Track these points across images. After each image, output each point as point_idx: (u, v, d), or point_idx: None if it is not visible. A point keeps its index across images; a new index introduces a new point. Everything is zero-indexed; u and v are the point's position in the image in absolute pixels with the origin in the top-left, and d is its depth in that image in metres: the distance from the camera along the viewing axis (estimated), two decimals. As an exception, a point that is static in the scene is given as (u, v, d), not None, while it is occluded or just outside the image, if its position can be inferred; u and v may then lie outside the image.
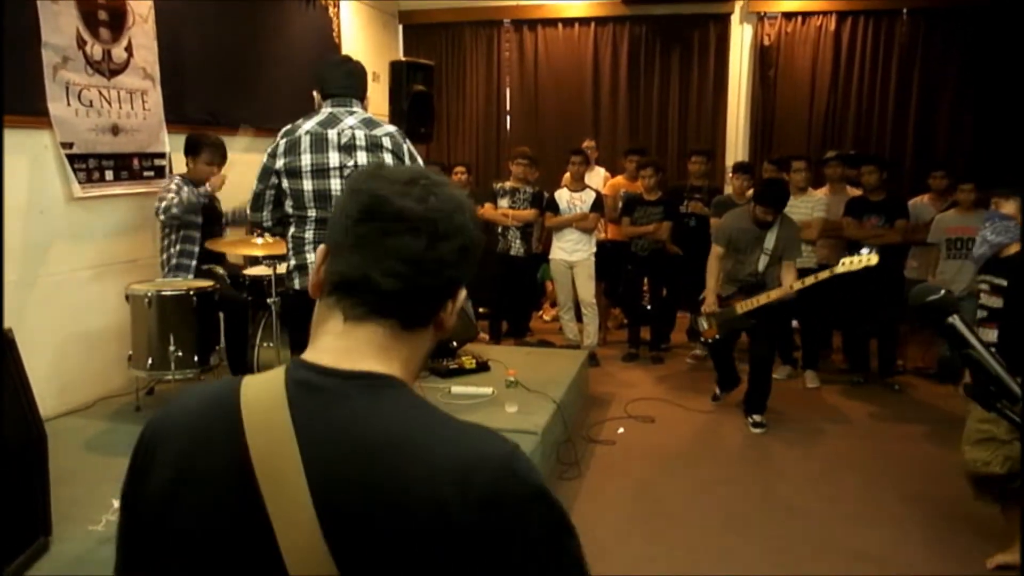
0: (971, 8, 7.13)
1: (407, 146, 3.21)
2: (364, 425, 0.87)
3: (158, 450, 0.95)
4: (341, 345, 0.93)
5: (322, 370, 0.91)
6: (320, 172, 3.14)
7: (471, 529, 0.83)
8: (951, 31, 7.35)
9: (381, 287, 0.90)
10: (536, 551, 0.86)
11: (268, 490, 0.85)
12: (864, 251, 4.66)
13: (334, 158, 3.13)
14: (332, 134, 3.15)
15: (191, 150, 4.54)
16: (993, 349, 2.75)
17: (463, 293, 0.98)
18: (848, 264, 4.63)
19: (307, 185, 3.15)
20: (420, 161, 3.21)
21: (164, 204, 4.30)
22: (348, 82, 3.32)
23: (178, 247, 4.45)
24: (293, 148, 3.18)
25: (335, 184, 3.14)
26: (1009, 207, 3.19)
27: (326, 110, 3.24)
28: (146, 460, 0.96)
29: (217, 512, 0.89)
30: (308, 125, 3.21)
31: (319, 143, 3.16)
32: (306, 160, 3.15)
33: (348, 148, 3.13)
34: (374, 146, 3.13)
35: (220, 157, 4.57)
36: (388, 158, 3.12)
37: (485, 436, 0.91)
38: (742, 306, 4.95)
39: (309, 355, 0.94)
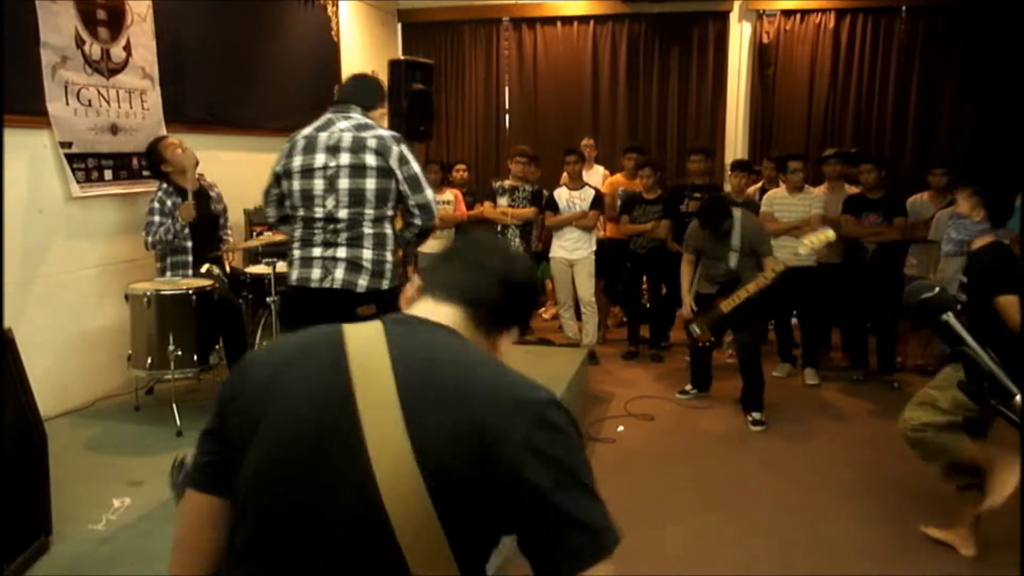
0: (970, 5, 7.14)
1: (399, 149, 3.19)
2: (442, 345, 1.10)
3: (253, 367, 1.12)
4: (428, 309, 1.19)
5: (413, 317, 1.17)
6: (307, 172, 3.19)
7: (524, 444, 0.99)
8: (950, 28, 7.35)
9: (465, 285, 1.20)
10: (574, 467, 1.05)
11: (359, 381, 1.03)
12: (819, 228, 4.76)
13: (320, 159, 3.18)
14: (323, 136, 3.21)
15: (151, 168, 4.52)
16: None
17: (516, 331, 1.28)
18: (810, 243, 4.71)
19: (296, 185, 3.21)
20: (415, 166, 3.21)
21: (151, 239, 4.37)
22: (351, 91, 3.40)
23: (168, 260, 4.46)
24: (291, 151, 3.25)
25: (319, 184, 3.17)
26: (965, 206, 3.29)
27: (325, 116, 3.30)
28: (239, 378, 1.13)
29: (312, 400, 1.04)
30: (307, 130, 3.27)
31: (310, 145, 3.21)
32: (297, 161, 3.21)
33: (333, 149, 3.17)
34: (358, 147, 3.15)
35: (173, 160, 4.49)
36: (370, 159, 3.14)
37: (531, 383, 1.09)
38: (726, 304, 5.01)
39: (405, 314, 1.19)
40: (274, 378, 1.07)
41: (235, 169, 4.69)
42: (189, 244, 4.47)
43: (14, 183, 3.96)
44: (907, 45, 7.51)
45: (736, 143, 8.04)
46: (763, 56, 7.80)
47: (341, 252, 3.17)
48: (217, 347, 4.36)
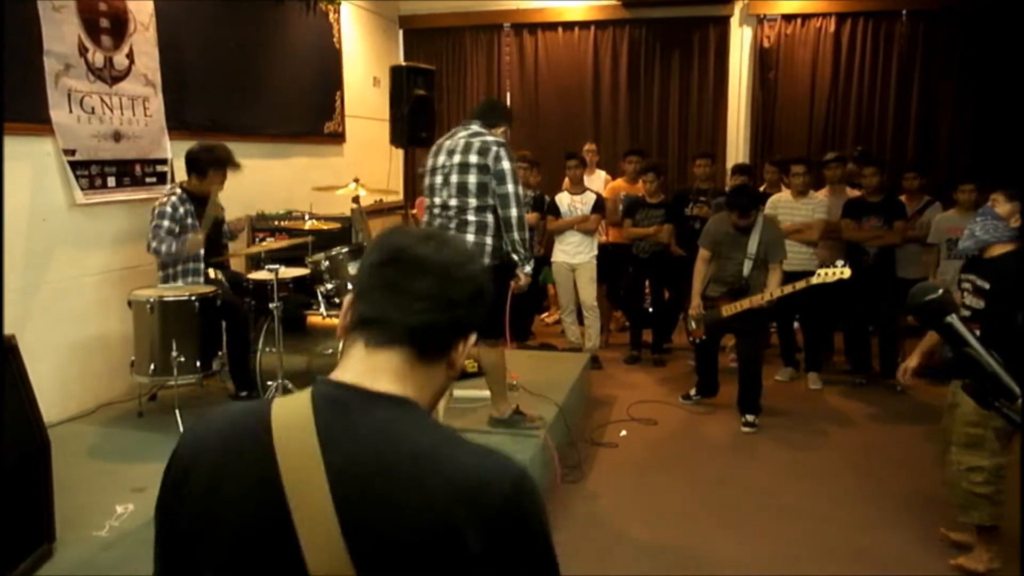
0: (971, 8, 7.14)
1: (496, 150, 3.74)
2: (385, 438, 0.96)
3: (193, 463, 1.02)
4: (362, 367, 1.03)
5: (345, 386, 1.01)
6: (433, 171, 3.91)
7: (479, 544, 0.91)
8: (951, 32, 7.36)
9: (397, 320, 1.02)
10: (538, 560, 0.99)
11: (293, 497, 0.93)
12: (839, 263, 4.78)
13: (441, 159, 3.87)
14: (447, 143, 3.90)
15: (196, 170, 4.48)
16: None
17: (473, 338, 1.10)
18: (823, 276, 4.76)
19: (427, 181, 3.95)
20: (506, 164, 3.72)
21: (157, 245, 4.32)
22: (477, 110, 4.10)
23: (179, 266, 4.45)
24: (430, 155, 4.00)
25: (438, 179, 3.86)
26: (1006, 208, 3.16)
27: (454, 129, 3.98)
28: (180, 474, 1.03)
29: (248, 519, 0.96)
30: (441, 139, 4.00)
31: (438, 150, 3.93)
32: (429, 163, 3.96)
33: (450, 152, 3.83)
34: (467, 149, 3.77)
35: (223, 173, 4.54)
36: (473, 158, 3.74)
37: (500, 458, 1.00)
38: (727, 309, 5.04)
39: (333, 375, 1.04)
40: (208, 496, 0.99)
41: (237, 176, 4.69)
42: (202, 251, 4.49)
43: (18, 191, 3.97)
44: (908, 49, 7.51)
45: (737, 147, 8.04)
46: (764, 60, 7.80)
47: None
48: (220, 353, 4.35)
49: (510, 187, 3.74)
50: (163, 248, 4.29)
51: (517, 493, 0.96)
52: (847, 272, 4.71)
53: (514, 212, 3.76)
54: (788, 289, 4.86)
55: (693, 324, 5.29)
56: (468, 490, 0.93)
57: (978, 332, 3.06)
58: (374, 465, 0.93)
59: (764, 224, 5.06)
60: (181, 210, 4.37)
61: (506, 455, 1.01)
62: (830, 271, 4.72)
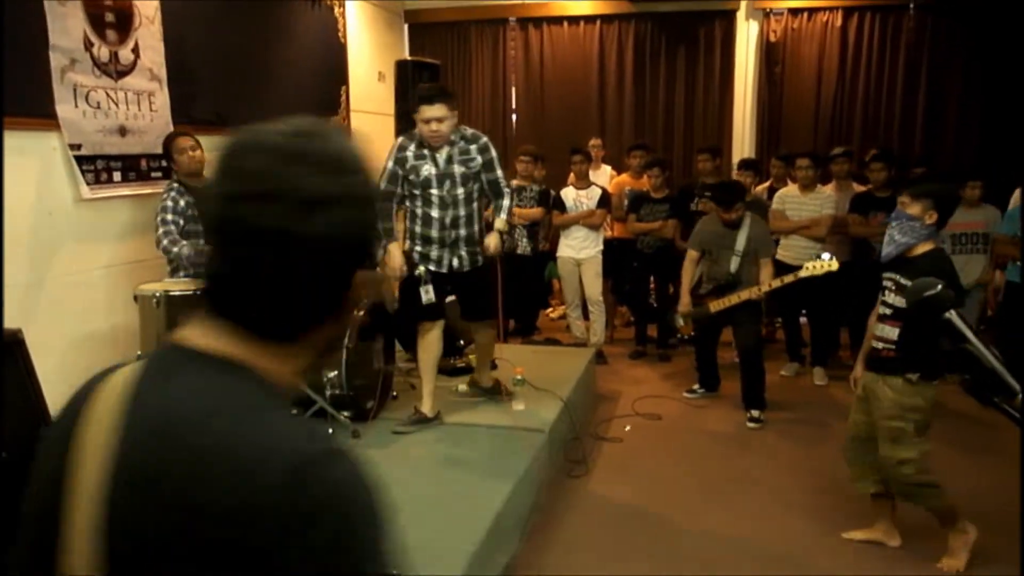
0: (979, 3, 7.10)
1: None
2: (175, 408, 0.80)
3: (41, 438, 0.93)
4: (208, 323, 0.87)
5: (177, 348, 0.87)
6: None
7: (240, 533, 0.74)
8: (959, 26, 7.31)
9: (221, 285, 0.88)
10: (314, 562, 0.76)
11: (71, 481, 0.81)
12: (825, 256, 4.79)
13: None
14: None
15: (166, 153, 4.51)
16: (894, 346, 2.86)
17: (327, 332, 0.90)
18: (811, 269, 4.78)
19: None
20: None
21: (167, 244, 4.30)
22: None
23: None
24: None
25: None
26: (916, 208, 3.20)
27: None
28: (35, 450, 0.94)
29: (41, 497, 0.86)
30: None
31: None
32: None
33: None
34: None
35: (192, 140, 4.48)
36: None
37: (306, 433, 0.81)
38: (715, 305, 5.10)
39: (182, 331, 0.89)
40: (35, 473, 0.90)
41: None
42: (201, 241, 4.50)
43: (23, 185, 3.98)
44: (915, 43, 7.47)
45: (743, 142, 8.02)
46: (770, 55, 7.77)
47: None
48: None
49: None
50: (174, 249, 4.27)
51: (297, 481, 0.75)
52: (835, 264, 4.74)
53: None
54: (777, 283, 4.93)
55: (680, 321, 5.36)
56: (244, 470, 0.75)
57: (897, 329, 3.12)
58: (154, 448, 0.78)
59: (751, 221, 5.12)
60: (182, 202, 4.37)
61: (323, 433, 0.82)
62: (818, 264, 4.75)
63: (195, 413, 0.79)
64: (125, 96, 4.55)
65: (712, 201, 5.22)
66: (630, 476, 4.26)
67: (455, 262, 4.12)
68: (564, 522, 3.67)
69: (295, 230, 0.81)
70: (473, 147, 4.06)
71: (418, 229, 4.16)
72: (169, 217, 4.31)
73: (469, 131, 4.14)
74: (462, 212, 4.05)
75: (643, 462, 4.45)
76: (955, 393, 5.22)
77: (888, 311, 3.29)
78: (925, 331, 3.07)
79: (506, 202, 4.18)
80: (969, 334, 1.06)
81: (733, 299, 4.98)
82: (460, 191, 4.02)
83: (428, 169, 4.01)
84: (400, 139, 4.15)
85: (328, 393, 4.06)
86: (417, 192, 4.09)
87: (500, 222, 4.16)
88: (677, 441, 4.77)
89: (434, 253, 4.13)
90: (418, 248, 4.20)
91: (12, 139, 3.87)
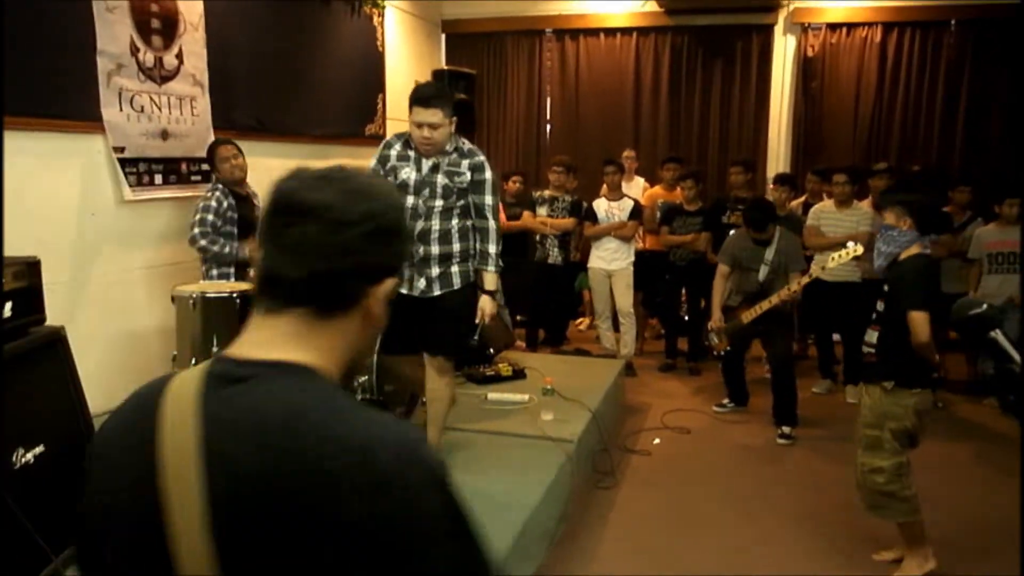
0: (1022, 19, 6.99)
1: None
2: (264, 409, 0.87)
3: (95, 449, 1.00)
4: (257, 337, 0.95)
5: (237, 361, 0.93)
6: None
7: (360, 512, 0.82)
8: (1001, 44, 7.20)
9: (285, 275, 0.93)
10: (426, 542, 0.85)
11: (169, 487, 0.86)
12: (850, 244, 4.62)
13: None
14: None
15: (210, 160, 4.60)
16: (873, 349, 2.85)
17: (391, 282, 0.98)
18: (837, 258, 4.60)
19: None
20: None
21: (205, 243, 4.37)
22: None
23: (222, 268, 4.52)
24: None
25: None
26: (889, 217, 3.28)
27: None
28: (88, 461, 1.00)
29: (132, 505, 0.91)
30: None
31: None
32: None
33: None
34: None
35: (234, 148, 4.57)
36: None
37: (392, 422, 0.91)
38: (747, 315, 5.05)
39: (230, 349, 0.96)
40: (105, 481, 0.96)
41: (280, 176, 4.76)
42: (235, 243, 4.56)
43: (68, 186, 4.08)
44: (956, 59, 7.39)
45: (779, 157, 7.97)
46: (808, 69, 7.72)
47: None
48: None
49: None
50: (214, 248, 4.35)
51: (405, 461, 0.85)
52: (860, 249, 4.58)
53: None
54: (806, 280, 4.85)
55: (715, 338, 5.31)
56: (353, 458, 0.83)
57: (877, 334, 3.17)
58: (256, 447, 0.85)
59: (781, 235, 5.10)
60: (225, 204, 4.45)
61: (403, 423, 0.94)
62: (842, 252, 4.58)
63: (287, 413, 0.87)
64: (168, 100, 4.64)
65: (744, 223, 5.19)
66: (658, 489, 4.24)
67: (422, 283, 3.54)
68: (591, 533, 3.66)
69: (344, 218, 0.93)
70: (465, 162, 3.55)
71: None
72: (210, 217, 4.39)
73: (468, 146, 3.64)
74: (436, 225, 3.49)
75: (671, 475, 4.43)
76: (995, 415, 5.17)
77: (873, 315, 3.37)
78: (900, 336, 3.14)
79: (492, 248, 3.56)
80: (1015, 354, 1.05)
81: (764, 305, 4.94)
82: (438, 203, 3.49)
83: (408, 172, 3.55)
84: (389, 137, 3.80)
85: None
86: None
87: (490, 279, 3.59)
88: (706, 456, 4.74)
89: (403, 271, 3.48)
90: None
91: (59, 141, 3.97)
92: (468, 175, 3.53)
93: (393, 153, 3.63)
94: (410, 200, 3.51)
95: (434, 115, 3.43)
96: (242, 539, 0.84)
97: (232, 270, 4.56)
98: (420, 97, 3.48)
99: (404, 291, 3.48)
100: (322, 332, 0.95)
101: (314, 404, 0.88)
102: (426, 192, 3.52)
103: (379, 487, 0.83)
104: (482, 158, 3.62)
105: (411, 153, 3.58)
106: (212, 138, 4.96)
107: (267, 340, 0.94)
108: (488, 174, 3.58)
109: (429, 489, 0.86)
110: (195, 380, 0.93)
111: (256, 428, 0.86)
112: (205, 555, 0.84)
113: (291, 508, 0.82)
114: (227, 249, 4.36)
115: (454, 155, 3.56)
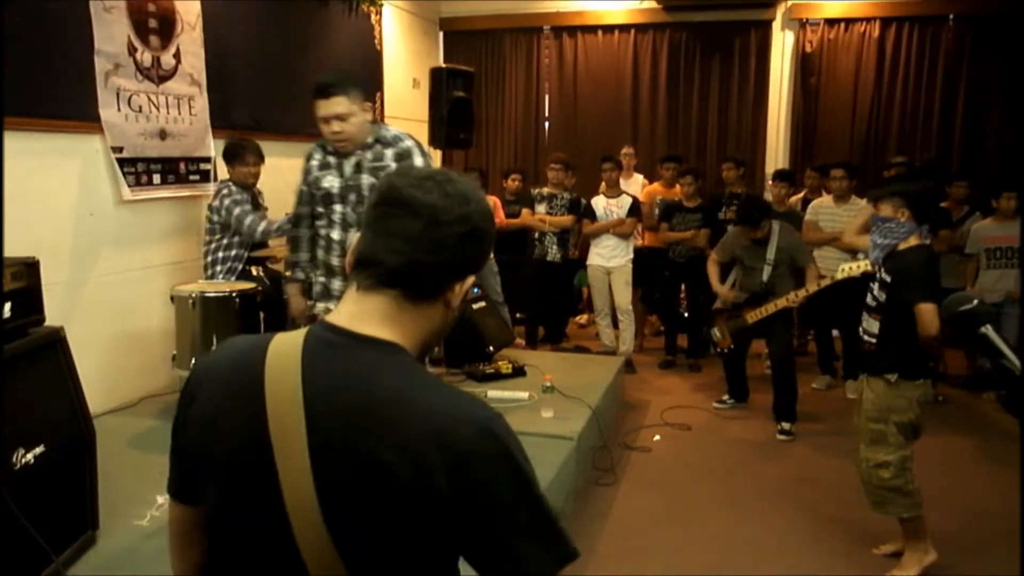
0: (1020, 14, 6.99)
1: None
2: (364, 381, 1.00)
3: (202, 388, 1.11)
4: (354, 310, 1.07)
5: (336, 329, 1.06)
6: None
7: (444, 484, 0.94)
8: (999, 39, 7.20)
9: (385, 261, 1.04)
10: (504, 512, 0.98)
11: (275, 434, 0.99)
12: (860, 256, 4.67)
13: None
14: None
15: (232, 157, 4.59)
16: (875, 339, 2.83)
17: (471, 279, 1.10)
18: (848, 270, 4.64)
19: None
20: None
21: (267, 228, 4.38)
22: None
23: (233, 252, 4.52)
24: None
25: None
26: (886, 209, 3.24)
27: None
28: (192, 394, 1.13)
29: (238, 448, 1.04)
30: None
31: None
32: None
33: None
34: None
35: (259, 157, 4.62)
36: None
37: (470, 400, 1.03)
38: (752, 316, 5.08)
39: (330, 317, 1.09)
40: (210, 422, 1.08)
41: (279, 175, 4.76)
42: (245, 252, 4.60)
43: (67, 187, 4.08)
44: (954, 54, 7.39)
45: (777, 153, 7.97)
46: (806, 65, 7.72)
47: None
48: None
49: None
50: (278, 228, 4.32)
51: (485, 436, 0.98)
52: (870, 266, 4.63)
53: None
54: (813, 288, 4.88)
55: (718, 334, 5.33)
56: (438, 431, 0.96)
57: (878, 324, 3.15)
58: (350, 407, 0.98)
59: (780, 230, 5.12)
60: (239, 197, 4.47)
61: (479, 401, 1.04)
62: (854, 265, 4.63)
63: (377, 385, 1.00)
64: (166, 100, 4.64)
65: (738, 222, 5.21)
66: (658, 486, 4.24)
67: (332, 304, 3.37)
68: (592, 530, 3.67)
69: (444, 217, 1.05)
70: (390, 152, 3.20)
71: (320, 256, 3.43)
72: (247, 207, 4.42)
73: (392, 132, 3.29)
74: None
75: (672, 472, 4.43)
76: (994, 409, 5.17)
77: (872, 303, 3.34)
78: (904, 328, 3.11)
79: None
80: (1006, 349, 1.05)
81: (770, 308, 4.96)
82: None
83: (330, 181, 3.26)
84: (313, 145, 3.43)
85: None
86: (321, 210, 3.33)
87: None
88: (706, 452, 4.74)
89: (336, 286, 3.39)
90: (320, 279, 3.48)
91: (57, 141, 3.98)
92: (393, 166, 3.17)
93: (314, 163, 3.34)
94: (338, 209, 3.25)
95: (338, 104, 3.08)
96: (338, 485, 0.97)
97: (241, 265, 4.56)
98: (319, 88, 3.13)
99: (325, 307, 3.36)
100: (408, 315, 1.07)
101: (400, 378, 1.01)
102: (352, 197, 3.24)
103: (461, 461, 0.95)
104: (409, 143, 3.25)
105: (332, 160, 3.28)
106: (210, 137, 4.97)
107: (361, 314, 1.06)
108: (419, 159, 3.22)
109: (506, 463, 0.98)
110: (297, 339, 1.05)
111: (358, 395, 0.99)
112: (310, 494, 0.96)
113: (388, 477, 0.95)
114: (287, 225, 4.09)
115: (377, 147, 3.22)
